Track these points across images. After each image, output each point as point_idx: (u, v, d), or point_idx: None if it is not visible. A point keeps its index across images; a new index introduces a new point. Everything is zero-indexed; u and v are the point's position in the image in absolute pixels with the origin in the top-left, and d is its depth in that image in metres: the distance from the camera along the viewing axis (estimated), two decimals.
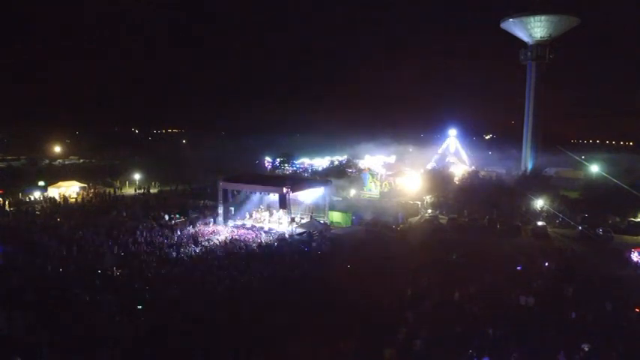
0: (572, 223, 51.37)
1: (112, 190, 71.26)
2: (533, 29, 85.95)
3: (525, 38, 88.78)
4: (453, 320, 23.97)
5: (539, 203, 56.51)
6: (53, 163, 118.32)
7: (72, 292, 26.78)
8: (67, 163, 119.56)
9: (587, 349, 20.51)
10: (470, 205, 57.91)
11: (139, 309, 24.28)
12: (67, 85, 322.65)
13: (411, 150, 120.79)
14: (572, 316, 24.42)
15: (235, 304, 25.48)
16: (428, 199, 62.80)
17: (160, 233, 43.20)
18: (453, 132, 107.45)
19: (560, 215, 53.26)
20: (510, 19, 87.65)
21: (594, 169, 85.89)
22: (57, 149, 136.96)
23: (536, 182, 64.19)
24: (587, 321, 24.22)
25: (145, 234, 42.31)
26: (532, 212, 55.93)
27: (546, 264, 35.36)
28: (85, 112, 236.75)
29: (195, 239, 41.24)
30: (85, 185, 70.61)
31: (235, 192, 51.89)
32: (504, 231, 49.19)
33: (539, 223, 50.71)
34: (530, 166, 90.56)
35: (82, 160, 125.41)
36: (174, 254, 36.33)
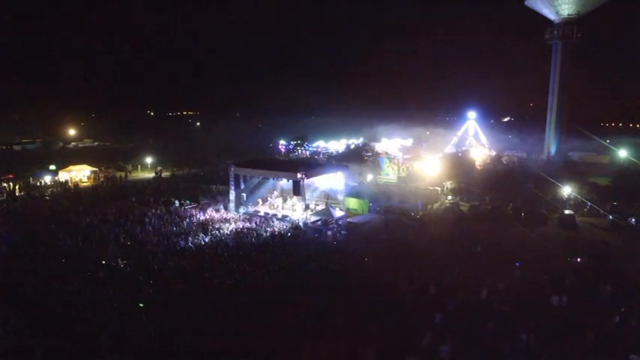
0: (601, 211, 48.60)
1: (123, 174, 70.00)
2: (561, 6, 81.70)
3: (552, 16, 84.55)
4: (482, 322, 21.89)
5: (567, 190, 53.65)
6: (67, 146, 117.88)
7: (72, 286, 25.26)
8: (80, 146, 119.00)
9: None
10: (492, 192, 55.33)
11: (141, 307, 22.59)
12: (84, 68, 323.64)
13: (428, 133, 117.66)
14: (616, 320, 22.05)
15: (245, 303, 23.62)
16: (448, 184, 60.27)
17: (170, 220, 41.67)
18: (472, 115, 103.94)
19: (589, 203, 50.46)
20: None
21: (622, 154, 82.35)
22: (72, 132, 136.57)
23: (563, 167, 61.03)
24: (631, 326, 21.90)
25: (153, 221, 40.80)
26: (558, 199, 53.18)
27: (578, 259, 32.93)
28: (101, 95, 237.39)
29: (205, 228, 39.54)
30: (96, 169, 69.36)
31: (248, 177, 49.96)
32: (529, 220, 46.57)
33: (566, 212, 47.95)
34: (553, 150, 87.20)
35: (96, 143, 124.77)
36: (182, 243, 34.73)
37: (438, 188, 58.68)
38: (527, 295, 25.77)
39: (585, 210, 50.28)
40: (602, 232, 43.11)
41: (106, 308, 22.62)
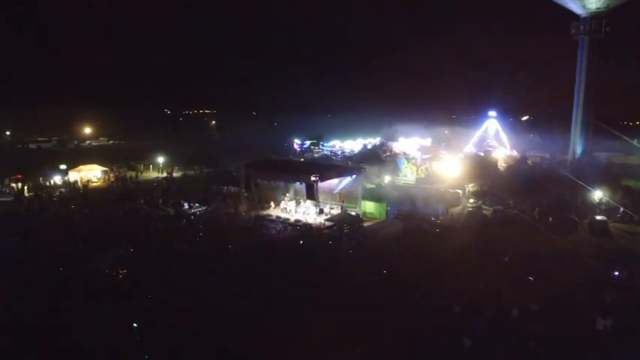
0: (635, 217, 45.41)
1: (133, 174, 68.49)
2: None
3: (578, 10, 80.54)
4: (516, 348, 19.38)
5: (597, 194, 50.42)
6: (82, 144, 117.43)
7: (65, 302, 23.34)
8: (94, 144, 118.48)
9: None
10: (517, 196, 52.31)
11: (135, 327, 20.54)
12: (100, 66, 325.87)
13: (447, 132, 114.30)
14: None
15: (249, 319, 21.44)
16: (470, 187, 57.35)
17: (177, 224, 39.77)
18: (492, 113, 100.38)
19: (622, 208, 47.24)
20: None
21: None
22: (87, 130, 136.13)
23: (593, 169, 57.68)
24: None
25: (159, 226, 38.93)
26: (588, 204, 49.98)
27: (616, 272, 29.97)
28: (117, 93, 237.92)
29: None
30: (107, 169, 68.01)
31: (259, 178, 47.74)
32: (558, 226, 43.56)
33: (598, 218, 44.82)
34: (579, 150, 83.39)
35: (111, 142, 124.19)
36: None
37: (460, 191, 55.88)
38: (564, 315, 23.15)
39: (618, 215, 47.10)
40: (638, 240, 40.04)
41: (97, 327, 20.59)
